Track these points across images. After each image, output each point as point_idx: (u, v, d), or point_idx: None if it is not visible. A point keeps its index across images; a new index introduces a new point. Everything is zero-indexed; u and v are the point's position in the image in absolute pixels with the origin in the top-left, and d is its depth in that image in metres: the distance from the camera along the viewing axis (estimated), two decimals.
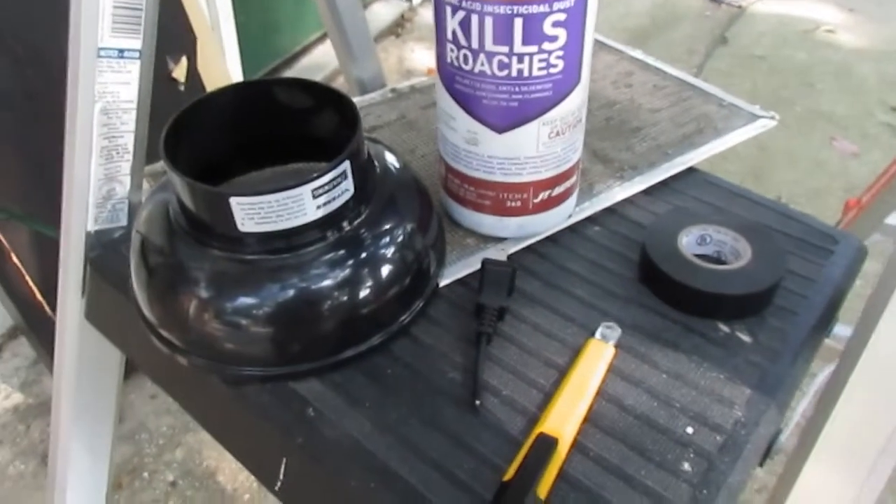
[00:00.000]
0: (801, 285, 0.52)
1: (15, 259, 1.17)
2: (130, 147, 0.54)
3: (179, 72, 1.38)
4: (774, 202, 0.60)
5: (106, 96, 0.51)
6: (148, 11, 0.51)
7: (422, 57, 2.41)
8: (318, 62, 2.30)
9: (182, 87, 1.37)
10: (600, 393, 0.45)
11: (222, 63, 1.56)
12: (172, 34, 1.36)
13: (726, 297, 0.49)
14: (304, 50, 2.32)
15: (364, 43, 0.73)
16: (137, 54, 0.51)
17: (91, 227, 0.54)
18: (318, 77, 2.20)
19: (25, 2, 1.12)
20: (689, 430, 0.43)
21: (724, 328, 0.49)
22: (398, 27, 2.59)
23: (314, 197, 0.43)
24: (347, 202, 0.45)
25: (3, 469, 1.29)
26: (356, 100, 0.71)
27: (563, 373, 0.46)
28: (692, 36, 2.66)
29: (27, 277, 1.19)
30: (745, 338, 0.48)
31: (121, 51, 0.50)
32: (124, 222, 0.55)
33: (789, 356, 0.47)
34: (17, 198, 1.14)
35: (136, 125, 0.53)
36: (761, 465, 0.45)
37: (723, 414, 0.43)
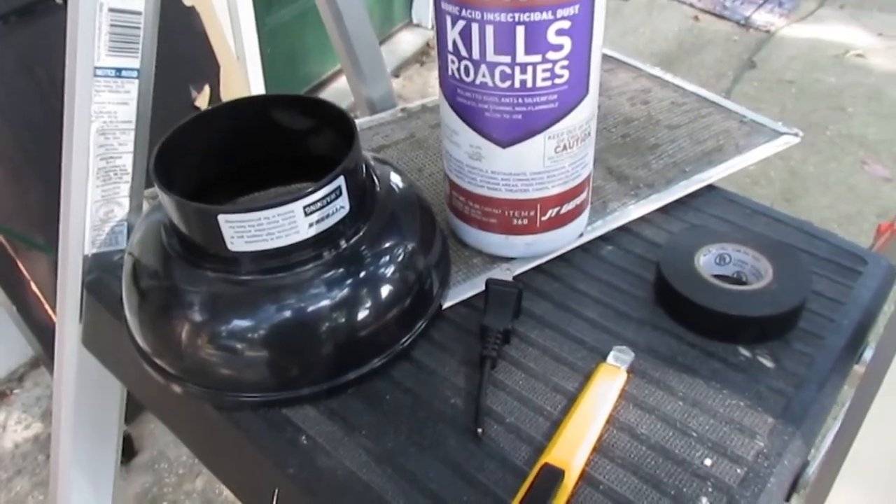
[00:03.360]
0: (828, 308, 0.49)
1: (35, 288, 1.17)
2: (129, 168, 0.53)
3: (202, 100, 1.39)
4: (798, 220, 0.57)
5: (103, 116, 0.50)
6: (147, 30, 0.50)
7: None
8: (344, 89, 2.28)
9: None
10: (611, 421, 0.42)
11: (246, 92, 1.57)
12: (195, 63, 1.38)
13: (747, 320, 0.46)
14: (330, 79, 2.34)
15: (374, 61, 0.72)
16: (136, 73, 0.50)
17: (88, 251, 0.53)
18: (343, 104, 2.21)
19: (53, 33, 1.14)
20: (708, 461, 0.39)
21: (745, 353, 0.46)
22: (423, 55, 2.60)
23: (306, 214, 0.41)
24: (343, 219, 0.44)
25: (23, 500, 1.28)
26: (365, 119, 0.70)
27: (572, 399, 0.43)
28: (720, 60, 2.63)
29: (47, 307, 1.19)
30: (768, 363, 0.45)
31: (118, 70, 0.50)
32: (123, 245, 0.54)
33: (816, 383, 0.44)
34: (39, 227, 1.15)
35: (135, 146, 0.52)
36: (787, 500, 0.41)
37: (744, 444, 0.40)
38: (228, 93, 1.46)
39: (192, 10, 1.36)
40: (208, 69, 1.41)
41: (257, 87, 1.97)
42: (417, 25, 2.73)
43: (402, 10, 2.67)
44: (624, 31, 2.87)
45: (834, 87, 2.42)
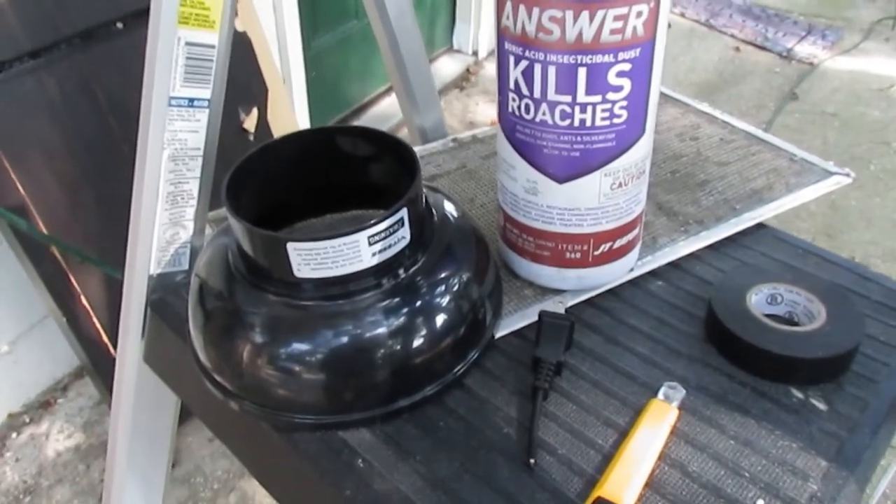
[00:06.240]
0: (882, 352, 0.49)
1: (84, 301, 1.20)
2: (195, 193, 0.55)
3: (250, 122, 1.42)
4: (849, 261, 0.57)
5: (174, 143, 0.52)
6: (219, 63, 0.52)
7: (486, 109, 2.44)
8: (385, 113, 2.35)
9: (252, 138, 1.42)
10: (663, 457, 0.42)
11: (291, 114, 1.60)
12: (245, 86, 1.42)
13: (800, 361, 0.46)
14: (371, 102, 2.38)
15: (427, 93, 0.73)
16: (206, 103, 0.53)
17: (153, 271, 0.55)
18: (383, 128, 2.24)
19: (112, 56, 1.18)
20: (760, 502, 0.40)
21: (798, 394, 0.46)
22: (463, 80, 2.63)
23: (370, 244, 0.42)
24: (404, 249, 0.45)
25: None
26: (417, 149, 0.72)
27: (623, 433, 0.44)
28: (761, 91, 2.62)
29: (95, 319, 1.22)
30: (821, 405, 0.45)
31: (191, 100, 0.52)
32: (186, 266, 0.56)
33: (869, 427, 0.44)
34: (92, 241, 1.18)
35: (201, 171, 0.54)
36: None
37: (797, 487, 0.40)
38: (275, 115, 1.49)
39: (243, 36, 1.40)
40: (256, 92, 1.45)
41: (301, 110, 2.01)
42: (458, 51, 2.76)
43: (443, 35, 2.71)
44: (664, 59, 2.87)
45: (878, 121, 2.39)
